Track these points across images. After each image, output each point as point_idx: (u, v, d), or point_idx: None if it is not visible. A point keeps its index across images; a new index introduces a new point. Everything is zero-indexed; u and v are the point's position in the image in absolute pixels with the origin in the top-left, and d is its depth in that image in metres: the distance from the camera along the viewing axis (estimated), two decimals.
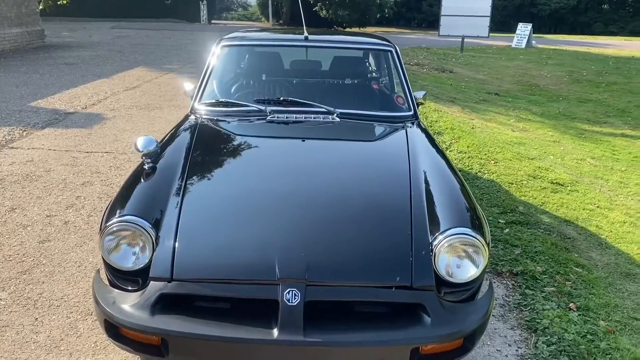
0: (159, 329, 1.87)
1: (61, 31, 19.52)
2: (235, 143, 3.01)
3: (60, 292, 3.05)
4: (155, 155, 2.49)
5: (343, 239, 2.12)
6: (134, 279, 2.06)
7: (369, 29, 32.93)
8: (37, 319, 2.81)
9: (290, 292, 1.88)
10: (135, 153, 5.45)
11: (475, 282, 2.12)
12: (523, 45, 21.24)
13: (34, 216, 4.02)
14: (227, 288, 1.95)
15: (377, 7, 31.21)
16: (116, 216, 2.11)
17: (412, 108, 3.37)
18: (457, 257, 2.07)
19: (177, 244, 2.05)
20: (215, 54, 3.51)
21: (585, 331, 2.84)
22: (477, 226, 2.15)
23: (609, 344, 2.74)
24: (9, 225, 3.86)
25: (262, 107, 3.15)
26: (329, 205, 2.31)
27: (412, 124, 3.25)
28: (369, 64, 4.14)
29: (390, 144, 3.07)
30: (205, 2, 32.00)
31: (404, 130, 3.10)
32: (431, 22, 49.38)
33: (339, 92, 3.70)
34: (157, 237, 2.07)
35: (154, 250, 2.04)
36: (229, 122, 3.17)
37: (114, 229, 2.07)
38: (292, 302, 1.87)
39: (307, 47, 3.64)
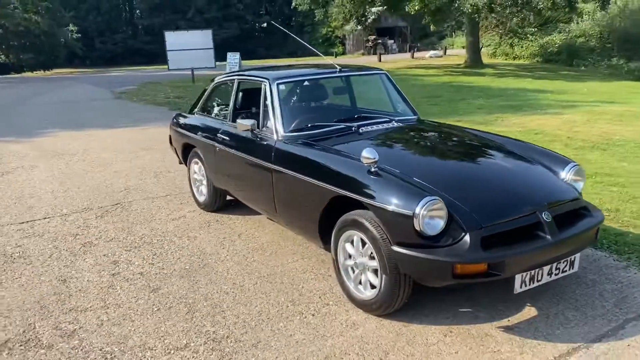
0: (500, 255, 2.80)
1: None
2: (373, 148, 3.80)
3: (252, 311, 3.29)
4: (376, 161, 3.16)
5: (536, 179, 3.38)
6: (437, 238, 2.86)
7: (58, 70, 30.83)
8: (259, 341, 3.01)
9: (545, 214, 3.02)
10: (82, 212, 5.16)
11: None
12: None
13: (95, 279, 3.79)
14: (516, 222, 2.96)
15: (64, 46, 29.58)
16: (418, 204, 2.80)
17: (415, 111, 4.64)
18: (574, 181, 3.51)
19: (462, 205, 2.92)
20: (274, 91, 4.07)
21: None
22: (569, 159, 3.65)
23: None
24: (92, 291, 3.61)
25: (350, 124, 4.00)
26: (500, 163, 3.54)
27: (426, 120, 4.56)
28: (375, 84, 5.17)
29: (452, 129, 4.31)
30: None
31: (438, 125, 4.42)
32: (108, 59, 48.42)
33: (375, 106, 4.76)
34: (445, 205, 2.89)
35: (448, 214, 2.88)
36: (331, 139, 3.83)
37: (424, 212, 2.79)
38: (548, 219, 3.00)
39: (342, 77, 4.60)
